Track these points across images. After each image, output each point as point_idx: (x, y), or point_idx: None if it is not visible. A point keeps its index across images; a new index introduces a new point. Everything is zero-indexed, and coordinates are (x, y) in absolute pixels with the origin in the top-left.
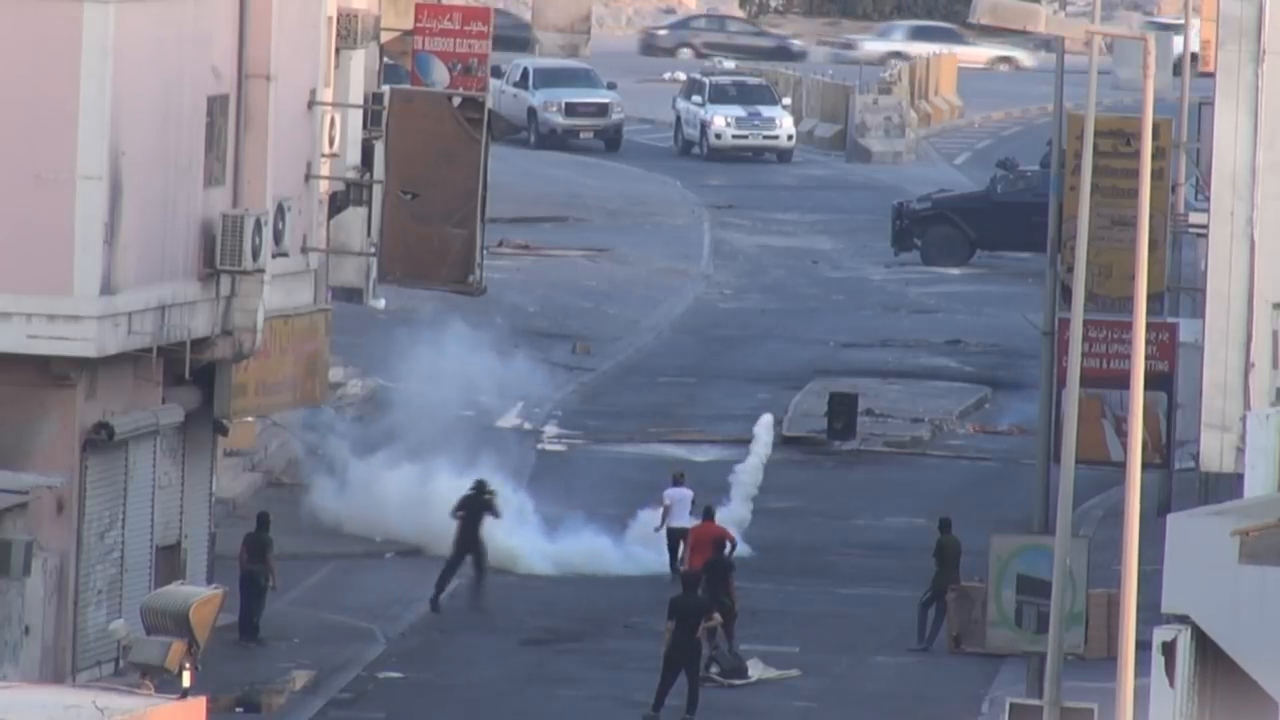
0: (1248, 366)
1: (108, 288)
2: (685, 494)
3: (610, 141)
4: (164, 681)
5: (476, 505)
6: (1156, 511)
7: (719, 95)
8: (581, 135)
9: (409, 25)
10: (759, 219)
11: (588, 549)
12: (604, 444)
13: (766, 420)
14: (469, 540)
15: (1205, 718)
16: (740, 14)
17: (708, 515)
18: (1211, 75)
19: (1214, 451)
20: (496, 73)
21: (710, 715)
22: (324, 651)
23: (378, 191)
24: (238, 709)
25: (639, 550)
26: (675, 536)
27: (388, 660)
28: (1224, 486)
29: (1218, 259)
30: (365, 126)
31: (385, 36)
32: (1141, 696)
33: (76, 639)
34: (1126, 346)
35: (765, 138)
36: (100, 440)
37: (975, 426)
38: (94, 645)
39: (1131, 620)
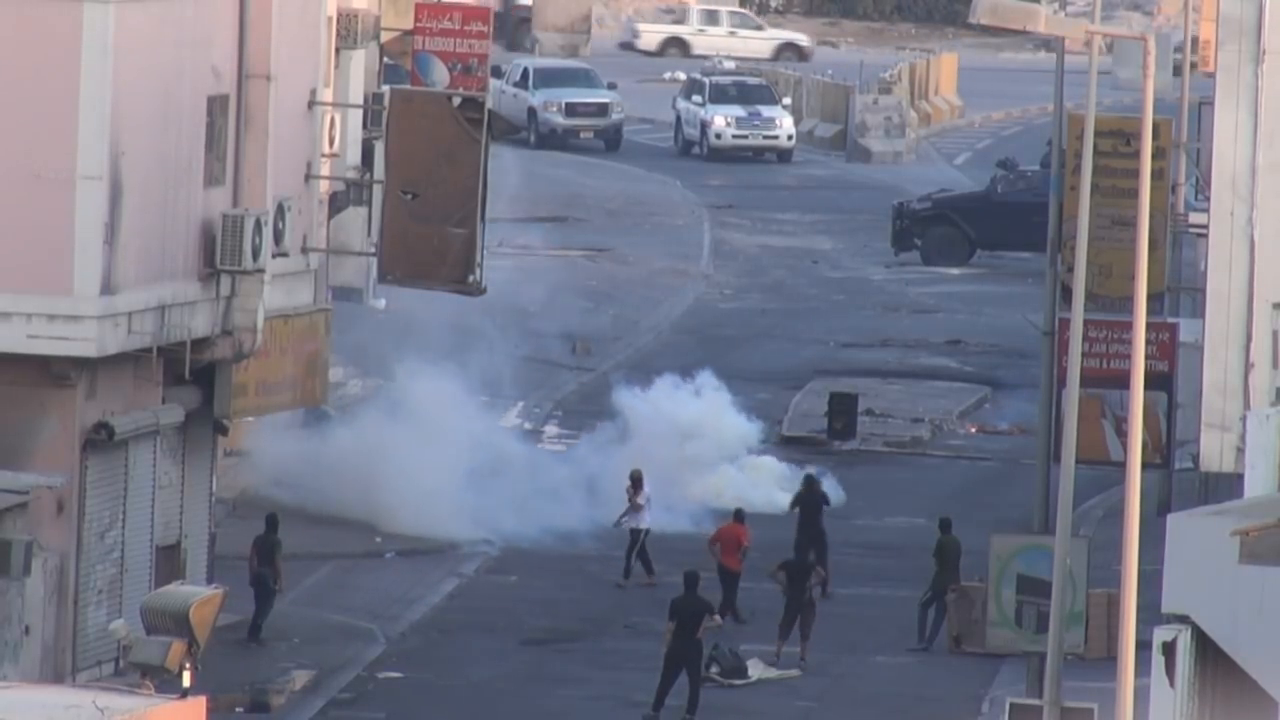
0: (1248, 366)
1: (108, 288)
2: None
3: (610, 141)
4: (164, 681)
5: (811, 499)
6: (1156, 511)
7: (719, 95)
8: (581, 135)
9: (409, 25)
10: (759, 219)
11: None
12: None
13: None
14: (811, 533)
15: (1205, 718)
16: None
17: (739, 518)
18: (1211, 75)
19: (1214, 451)
20: (496, 73)
21: (710, 715)
22: (324, 651)
23: (378, 191)
24: (238, 709)
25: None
26: (639, 536)
27: (388, 660)
28: (1224, 486)
29: (1218, 259)
30: (365, 126)
31: (385, 36)
32: (1141, 696)
33: (76, 639)
34: (1126, 346)
35: (765, 138)
36: (100, 440)
37: (975, 426)
38: (94, 645)
39: (1131, 620)
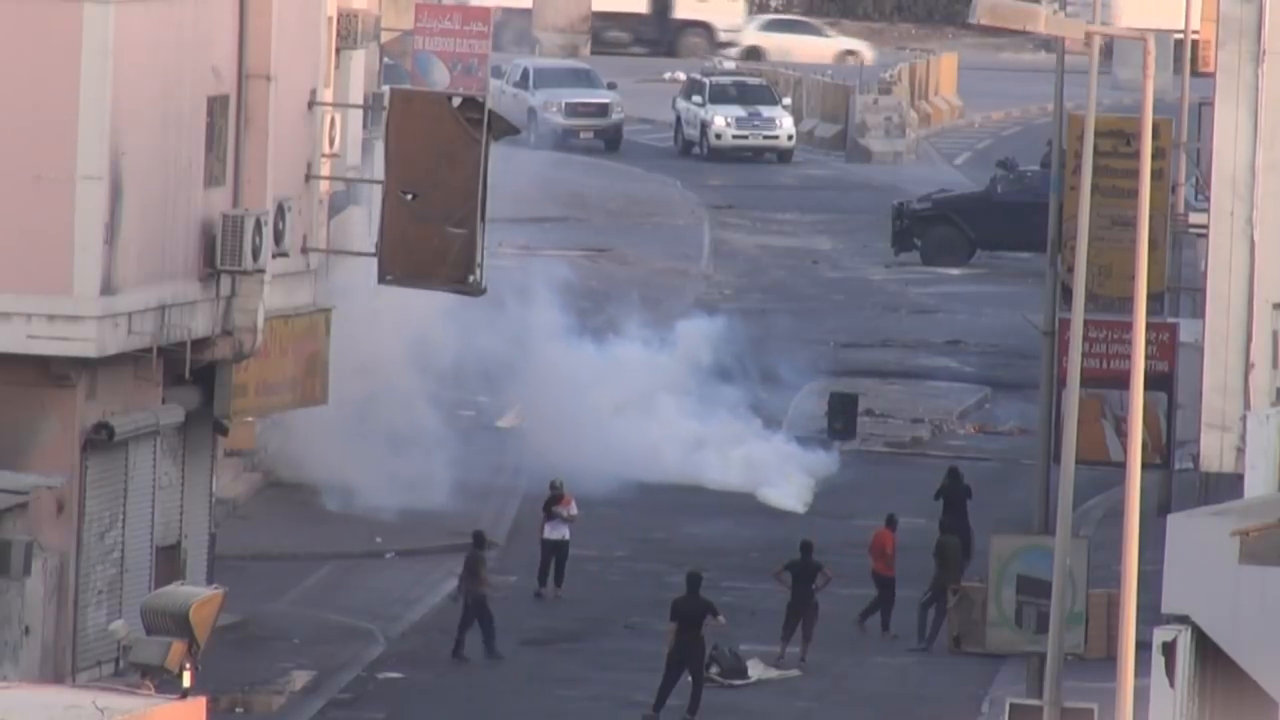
0: (1248, 366)
1: (108, 288)
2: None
3: (610, 141)
4: (164, 681)
5: (956, 491)
6: (1156, 511)
7: (719, 95)
8: (581, 135)
9: (409, 25)
10: (759, 219)
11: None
12: None
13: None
14: (955, 526)
15: (1205, 718)
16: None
17: (890, 524)
18: (1211, 75)
19: (1214, 451)
20: (496, 73)
21: (710, 715)
22: (324, 651)
23: (377, 191)
24: (237, 709)
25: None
26: (552, 549)
27: (388, 660)
28: (1224, 486)
29: (1218, 259)
30: (365, 126)
31: (385, 36)
32: (1141, 696)
33: (76, 639)
34: (1126, 346)
35: (765, 138)
36: (100, 440)
37: (975, 426)
38: (94, 645)
39: (1131, 620)
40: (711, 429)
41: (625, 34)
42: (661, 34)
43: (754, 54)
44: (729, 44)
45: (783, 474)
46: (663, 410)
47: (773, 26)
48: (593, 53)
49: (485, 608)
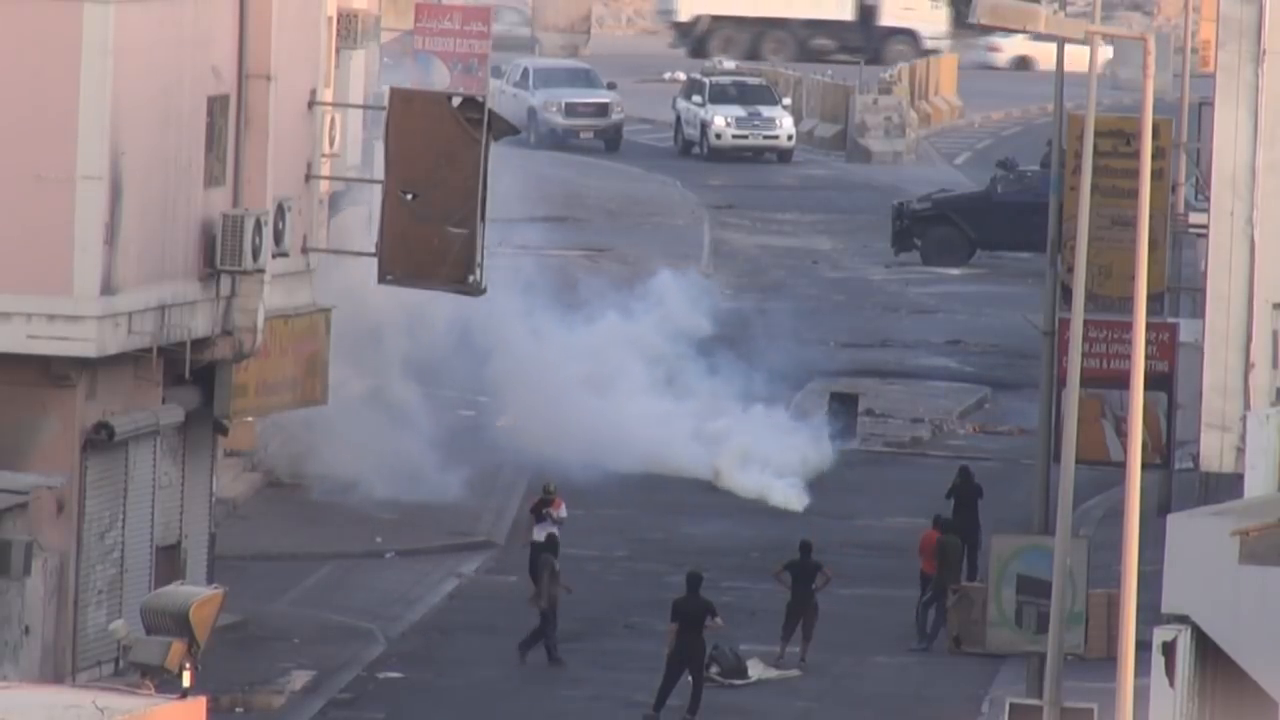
0: (1248, 366)
1: (108, 288)
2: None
3: (610, 141)
4: (164, 681)
5: (967, 490)
6: (1156, 511)
7: (719, 95)
8: (581, 135)
9: (409, 25)
10: (759, 219)
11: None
12: None
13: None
14: (964, 525)
15: (1205, 718)
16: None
17: (937, 524)
18: (1211, 75)
19: (1214, 451)
20: (496, 73)
21: (710, 715)
22: (324, 651)
23: (378, 191)
24: (237, 709)
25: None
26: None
27: (388, 660)
28: (1224, 486)
29: (1218, 259)
30: (365, 126)
31: (385, 36)
32: (1141, 696)
33: (76, 639)
34: (1126, 346)
35: (765, 138)
36: (100, 440)
37: (975, 426)
38: (94, 645)
39: (1131, 620)
40: (702, 406)
41: (830, 41)
42: (866, 41)
43: (1023, 64)
44: (932, 51)
45: (771, 463)
46: (651, 392)
47: (1041, 35)
48: (796, 60)
49: (552, 613)
